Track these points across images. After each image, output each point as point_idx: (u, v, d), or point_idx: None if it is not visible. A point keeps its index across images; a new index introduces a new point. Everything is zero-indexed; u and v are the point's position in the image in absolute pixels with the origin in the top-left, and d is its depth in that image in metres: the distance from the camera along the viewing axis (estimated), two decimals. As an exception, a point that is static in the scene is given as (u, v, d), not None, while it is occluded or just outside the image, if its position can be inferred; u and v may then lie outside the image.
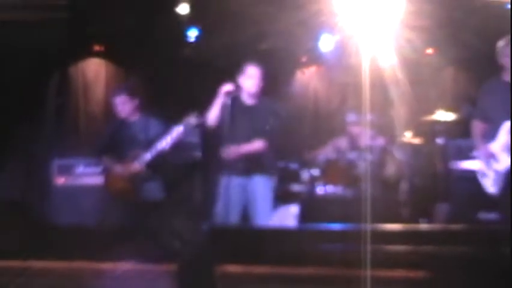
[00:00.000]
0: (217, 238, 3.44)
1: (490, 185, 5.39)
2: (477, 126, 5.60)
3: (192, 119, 6.02)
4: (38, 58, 7.76)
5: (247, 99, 5.86)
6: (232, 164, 5.76)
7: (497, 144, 5.31)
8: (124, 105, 6.37)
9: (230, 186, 5.78)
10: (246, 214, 5.82)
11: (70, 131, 8.60)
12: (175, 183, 6.61)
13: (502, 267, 2.98)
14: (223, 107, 5.72)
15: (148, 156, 6.09)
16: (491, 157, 5.36)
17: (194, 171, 7.19)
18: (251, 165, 5.74)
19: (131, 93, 6.39)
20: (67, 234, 3.81)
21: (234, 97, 5.76)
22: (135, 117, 6.37)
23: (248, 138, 5.77)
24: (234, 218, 5.71)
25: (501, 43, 5.43)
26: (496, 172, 5.32)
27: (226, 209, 5.74)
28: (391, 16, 6.09)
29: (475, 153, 5.69)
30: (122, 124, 6.39)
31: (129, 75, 8.88)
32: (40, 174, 7.52)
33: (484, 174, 5.46)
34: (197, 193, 7.06)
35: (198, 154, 7.26)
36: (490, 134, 5.43)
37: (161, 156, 6.11)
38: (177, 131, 6.01)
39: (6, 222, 3.71)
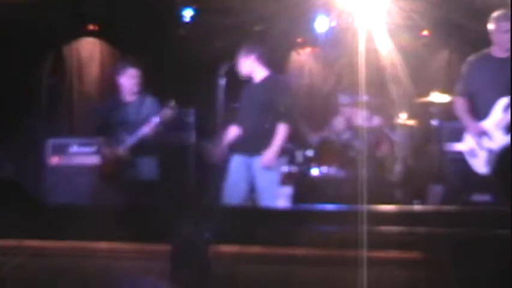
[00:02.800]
0: (211, 218, 3.44)
1: (482, 165, 5.27)
2: (461, 104, 5.44)
3: (168, 111, 5.95)
4: (32, 37, 7.73)
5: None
6: (236, 143, 5.76)
7: (491, 122, 5.17)
8: (129, 81, 6.26)
9: (233, 166, 5.77)
10: (250, 194, 5.81)
11: (64, 110, 8.58)
12: (169, 164, 6.58)
13: (496, 249, 2.99)
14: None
15: (130, 140, 6.01)
16: (483, 135, 5.21)
17: (188, 152, 7.18)
18: (258, 144, 5.70)
19: (137, 69, 6.28)
20: (61, 214, 3.81)
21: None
22: (133, 98, 6.29)
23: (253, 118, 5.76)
24: (236, 198, 5.70)
25: (495, 16, 5.30)
26: (489, 151, 5.20)
27: (230, 188, 5.74)
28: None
29: (465, 131, 5.51)
30: (117, 104, 6.32)
31: (124, 54, 8.85)
32: (34, 154, 7.50)
33: (474, 154, 5.33)
34: (191, 174, 7.06)
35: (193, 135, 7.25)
36: (481, 112, 5.30)
37: (145, 141, 6.01)
38: (154, 120, 5.94)
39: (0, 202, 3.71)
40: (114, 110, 6.28)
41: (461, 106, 5.43)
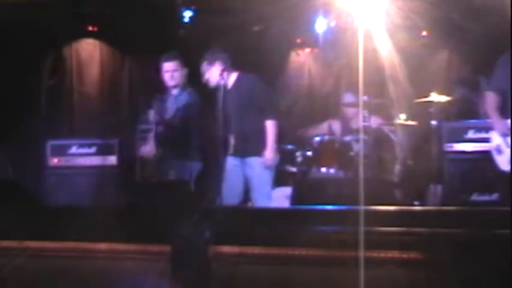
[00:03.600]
0: (211, 219, 3.44)
1: (506, 163, 5.24)
2: (491, 100, 5.40)
3: (151, 115, 6.01)
4: (32, 38, 7.73)
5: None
6: (230, 145, 5.79)
7: None
8: (173, 73, 6.26)
9: (228, 168, 5.82)
10: (246, 195, 5.84)
11: (63, 111, 8.57)
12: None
13: (496, 249, 3.00)
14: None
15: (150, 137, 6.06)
16: (509, 133, 5.18)
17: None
18: (248, 145, 5.74)
19: (181, 62, 6.26)
20: (61, 215, 3.81)
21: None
22: (174, 91, 6.29)
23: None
24: (233, 198, 5.74)
25: None
26: None
27: (225, 190, 5.78)
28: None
29: (492, 128, 5.44)
30: (162, 98, 6.35)
31: (124, 55, 8.86)
32: (34, 155, 7.51)
33: (500, 151, 5.31)
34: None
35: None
36: (506, 109, 5.27)
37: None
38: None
39: (0, 203, 3.71)
40: (160, 103, 6.28)
41: (490, 103, 5.42)
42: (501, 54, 5.53)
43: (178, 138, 6.09)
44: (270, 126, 5.69)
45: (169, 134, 6.12)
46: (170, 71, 6.27)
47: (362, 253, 2.97)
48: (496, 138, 5.34)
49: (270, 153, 5.67)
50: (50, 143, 7.29)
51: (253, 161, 5.77)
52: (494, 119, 5.34)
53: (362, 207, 3.22)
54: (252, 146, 5.75)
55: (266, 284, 3.18)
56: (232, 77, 5.92)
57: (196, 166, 6.18)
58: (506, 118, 5.23)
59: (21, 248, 3.52)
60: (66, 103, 8.65)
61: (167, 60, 6.30)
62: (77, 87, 8.72)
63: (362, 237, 2.99)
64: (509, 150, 5.18)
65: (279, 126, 5.79)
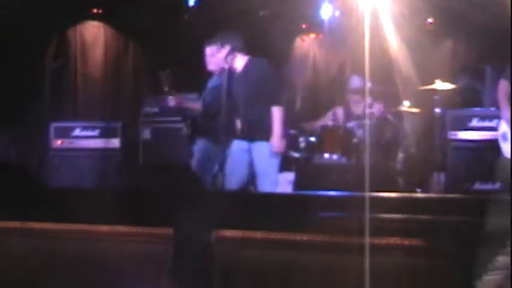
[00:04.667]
0: (214, 203, 3.45)
1: (510, 150, 5.25)
2: (503, 87, 5.39)
3: (171, 100, 6.03)
4: (37, 21, 7.72)
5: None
6: (236, 129, 5.77)
7: None
8: (211, 57, 6.07)
9: (234, 151, 5.80)
10: (251, 179, 5.83)
11: (67, 94, 8.58)
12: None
13: (498, 237, 3.00)
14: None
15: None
16: None
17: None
18: (255, 130, 5.72)
19: (223, 44, 6.03)
20: (64, 196, 3.82)
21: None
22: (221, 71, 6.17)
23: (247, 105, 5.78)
24: (239, 182, 5.73)
25: None
26: None
27: (230, 173, 5.77)
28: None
29: (500, 115, 5.43)
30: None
31: (128, 38, 8.84)
32: (38, 137, 7.52)
33: (505, 138, 5.32)
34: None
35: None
36: None
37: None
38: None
39: (3, 184, 3.72)
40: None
41: (502, 90, 5.40)
42: (508, 43, 5.51)
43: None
44: (277, 112, 5.66)
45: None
46: (208, 55, 6.19)
47: (367, 240, 2.98)
48: (503, 126, 5.34)
49: (277, 140, 5.64)
50: (54, 125, 7.30)
51: (260, 146, 5.73)
52: (503, 106, 5.33)
53: (368, 194, 3.22)
54: (259, 131, 5.71)
55: (269, 269, 3.19)
56: (242, 61, 5.88)
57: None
58: None
59: (24, 229, 3.53)
60: (70, 86, 8.65)
61: (208, 44, 6.22)
62: (81, 70, 8.72)
63: (367, 223, 2.99)
64: None
65: (285, 113, 5.76)
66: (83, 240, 3.49)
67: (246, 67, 5.86)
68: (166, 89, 6.09)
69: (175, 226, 3.30)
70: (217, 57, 6.00)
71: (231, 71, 5.85)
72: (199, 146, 6.30)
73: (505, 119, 5.33)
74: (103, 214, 3.45)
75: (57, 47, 8.55)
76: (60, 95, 8.47)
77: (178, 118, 6.69)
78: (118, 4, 8.42)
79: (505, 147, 5.35)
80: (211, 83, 6.26)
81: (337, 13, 8.29)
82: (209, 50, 6.17)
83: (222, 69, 5.91)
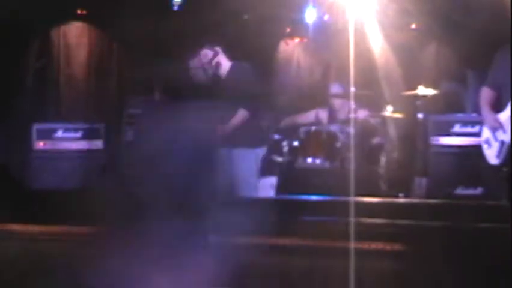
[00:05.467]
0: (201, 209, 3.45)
1: (493, 156, 5.28)
2: (485, 94, 5.42)
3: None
4: (20, 20, 7.67)
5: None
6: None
7: (506, 115, 5.18)
8: (197, 69, 6.15)
9: None
10: (231, 185, 5.85)
11: (50, 94, 8.53)
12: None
13: (480, 241, 3.03)
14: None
15: None
16: (498, 127, 5.22)
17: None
18: (236, 137, 5.73)
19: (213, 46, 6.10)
20: (46, 198, 3.81)
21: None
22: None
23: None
24: (220, 189, 5.74)
25: None
26: (502, 143, 5.22)
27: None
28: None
29: (482, 121, 5.47)
30: None
31: (112, 39, 8.81)
32: (20, 138, 7.47)
33: (489, 144, 5.35)
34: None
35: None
36: (500, 104, 5.30)
37: None
38: None
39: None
40: None
41: (483, 96, 5.42)
42: (491, 48, 5.55)
43: None
44: (240, 113, 5.70)
45: None
46: (193, 68, 6.22)
47: (352, 244, 2.99)
48: (486, 132, 5.37)
49: (220, 130, 5.66)
50: (36, 126, 7.25)
51: (240, 152, 5.76)
52: (485, 112, 5.36)
53: (352, 198, 3.24)
54: (239, 137, 5.73)
55: (253, 273, 3.19)
56: (226, 66, 5.90)
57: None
58: (497, 112, 5.26)
59: (6, 231, 3.51)
60: (53, 86, 8.60)
61: (191, 57, 6.25)
62: (64, 71, 8.67)
63: (350, 227, 3.01)
64: (497, 144, 5.22)
65: (249, 120, 5.77)
66: (65, 241, 3.47)
67: (230, 71, 5.87)
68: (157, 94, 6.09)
69: (156, 225, 3.30)
70: (202, 60, 6.04)
71: (215, 77, 5.87)
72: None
73: (487, 124, 5.36)
74: (85, 215, 3.45)
75: (41, 47, 8.50)
76: (43, 96, 8.42)
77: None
78: (102, 5, 8.39)
79: (488, 153, 5.38)
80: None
81: (326, 17, 8.30)
82: (193, 63, 6.19)
83: (207, 75, 5.91)
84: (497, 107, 5.30)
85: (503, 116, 5.20)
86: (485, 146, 5.39)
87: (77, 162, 7.01)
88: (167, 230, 3.27)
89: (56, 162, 7.07)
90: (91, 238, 3.48)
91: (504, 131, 5.18)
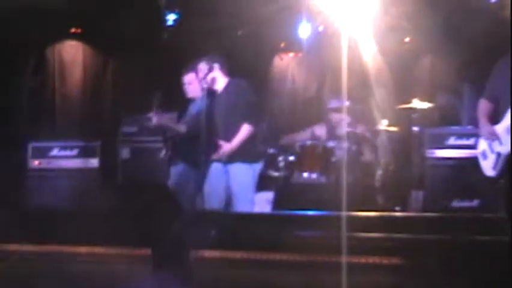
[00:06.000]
0: (193, 223, 3.44)
1: (490, 168, 5.28)
2: (483, 106, 5.43)
3: (154, 117, 6.02)
4: (15, 39, 7.68)
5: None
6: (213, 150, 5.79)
7: (502, 126, 5.19)
8: (189, 85, 6.27)
9: (212, 173, 5.82)
10: (228, 200, 5.84)
11: (46, 113, 8.53)
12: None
13: (477, 254, 3.02)
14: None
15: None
16: (494, 139, 5.22)
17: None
18: (233, 152, 5.73)
19: (198, 73, 6.17)
20: (41, 217, 3.79)
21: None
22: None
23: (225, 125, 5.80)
24: (216, 203, 5.73)
25: None
26: (498, 155, 5.22)
27: (208, 195, 5.78)
28: (370, 4, 6.11)
29: (479, 132, 5.48)
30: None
31: (107, 58, 8.83)
32: (15, 157, 7.45)
33: (485, 156, 5.35)
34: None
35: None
36: (497, 115, 5.30)
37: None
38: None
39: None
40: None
41: (481, 107, 5.42)
42: (486, 61, 5.55)
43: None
44: (244, 128, 5.71)
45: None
46: (186, 83, 6.29)
47: (344, 258, 2.98)
48: (482, 144, 5.38)
49: (228, 147, 5.67)
50: (32, 144, 7.24)
51: (237, 167, 5.76)
52: (482, 124, 5.36)
53: (344, 213, 3.23)
54: (236, 152, 5.73)
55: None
56: (222, 82, 5.91)
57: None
58: (494, 124, 5.27)
59: (2, 251, 3.49)
60: (48, 105, 8.61)
61: (185, 72, 6.32)
62: (60, 89, 8.68)
63: (344, 242, 3.00)
64: (493, 155, 5.22)
65: (254, 133, 5.78)
66: (61, 262, 3.46)
67: (227, 88, 5.88)
68: (153, 108, 6.11)
69: (155, 246, 3.29)
70: (195, 84, 6.14)
71: (211, 92, 5.87)
72: (178, 168, 6.30)
73: (484, 136, 5.36)
74: (82, 235, 3.43)
75: (36, 66, 8.51)
76: (39, 114, 8.42)
77: (157, 138, 6.69)
78: (96, 24, 8.41)
79: (484, 165, 5.37)
80: (194, 107, 6.26)
81: (316, 31, 8.32)
82: (186, 78, 6.26)
83: (202, 90, 5.93)
84: (494, 119, 5.30)
85: (500, 127, 5.21)
86: (481, 158, 5.39)
87: (73, 180, 6.99)
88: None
89: (52, 180, 7.05)
90: (89, 258, 3.46)
91: (500, 143, 5.18)
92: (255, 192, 6.12)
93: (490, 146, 5.28)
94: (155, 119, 6.08)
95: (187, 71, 6.32)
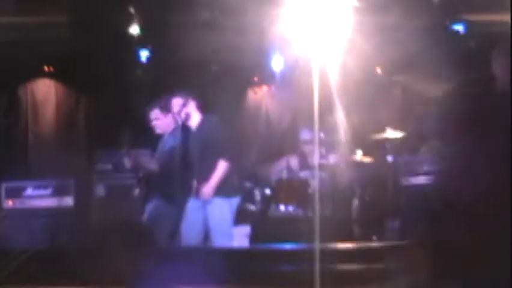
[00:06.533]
0: (169, 259, 3.42)
1: None
2: None
3: (127, 162, 6.03)
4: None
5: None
6: (193, 188, 5.78)
7: None
8: (157, 120, 6.30)
9: (189, 209, 5.80)
10: (206, 236, 5.82)
11: (18, 152, 8.46)
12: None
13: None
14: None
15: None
16: None
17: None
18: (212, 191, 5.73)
19: (164, 109, 6.26)
20: (17, 258, 3.74)
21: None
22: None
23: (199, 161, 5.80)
24: (195, 239, 5.71)
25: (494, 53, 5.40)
26: None
27: (186, 231, 5.76)
28: (341, 36, 6.16)
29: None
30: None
31: (79, 95, 8.81)
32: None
33: None
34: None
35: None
36: None
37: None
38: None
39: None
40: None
41: None
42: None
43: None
44: (221, 165, 5.71)
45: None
46: (154, 119, 6.31)
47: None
48: None
49: (208, 188, 5.67)
50: (5, 185, 7.16)
51: (214, 202, 5.75)
52: None
53: (318, 245, 3.22)
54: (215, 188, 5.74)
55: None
56: (197, 118, 5.92)
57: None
58: None
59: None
60: (21, 144, 8.54)
61: (150, 108, 6.36)
62: (33, 128, 8.63)
63: (317, 275, 2.99)
64: None
65: (231, 169, 5.79)
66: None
67: (201, 125, 5.89)
68: (124, 149, 6.12)
69: (129, 285, 3.26)
70: (163, 120, 6.24)
71: (185, 129, 5.88)
72: (153, 204, 6.27)
73: None
74: (55, 274, 3.39)
75: (8, 104, 8.47)
76: (12, 154, 8.35)
77: (132, 175, 6.67)
78: (69, 62, 8.40)
79: None
80: (166, 143, 6.27)
81: (288, 64, 8.37)
82: (153, 115, 6.29)
83: (176, 125, 5.95)
84: None
85: None
86: None
87: (47, 220, 6.91)
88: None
89: (25, 220, 6.96)
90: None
91: None
92: (233, 226, 6.10)
93: None
94: (127, 162, 6.10)
95: (153, 107, 6.37)
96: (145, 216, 6.28)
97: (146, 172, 6.33)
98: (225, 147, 5.77)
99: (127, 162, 6.12)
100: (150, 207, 6.29)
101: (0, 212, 7.04)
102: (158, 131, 6.36)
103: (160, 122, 6.31)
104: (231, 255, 3.71)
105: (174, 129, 6.11)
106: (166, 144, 6.25)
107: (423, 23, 7.49)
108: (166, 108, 6.16)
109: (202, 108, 6.00)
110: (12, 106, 8.51)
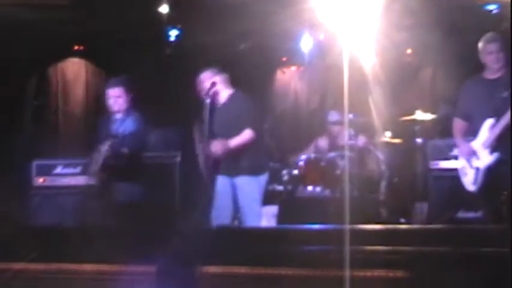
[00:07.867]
0: (197, 239, 3.44)
1: (470, 183, 5.40)
2: (457, 124, 5.62)
3: (103, 148, 5.78)
4: (18, 58, 7.72)
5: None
6: (220, 164, 5.77)
7: (478, 142, 5.33)
8: (116, 99, 6.05)
9: (218, 187, 5.80)
10: (235, 214, 5.83)
11: (49, 131, 8.55)
12: (152, 184, 6.51)
13: (480, 266, 3.01)
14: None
15: (97, 158, 5.84)
16: (472, 155, 5.37)
17: (172, 173, 7.13)
18: (238, 165, 5.72)
19: (126, 88, 6.09)
20: (46, 235, 3.79)
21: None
22: (121, 115, 6.09)
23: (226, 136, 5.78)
24: (223, 218, 5.72)
25: (482, 41, 5.45)
26: (477, 170, 5.34)
27: (215, 209, 5.77)
28: (372, 16, 6.12)
29: (456, 151, 5.70)
30: (108, 120, 6.16)
31: (109, 74, 8.86)
32: (19, 175, 7.46)
33: (464, 173, 5.48)
34: (176, 195, 7.01)
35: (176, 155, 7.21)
36: (472, 132, 5.45)
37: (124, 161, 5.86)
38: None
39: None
40: (103, 126, 6.17)
41: (455, 127, 5.65)
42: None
43: (125, 167, 5.90)
44: (245, 133, 5.67)
45: (116, 163, 5.92)
46: (114, 97, 6.14)
47: (347, 272, 2.97)
48: (461, 161, 5.51)
49: (223, 144, 5.63)
50: (36, 162, 7.25)
51: (243, 180, 5.74)
52: (459, 142, 5.54)
53: (348, 226, 3.22)
54: (240, 165, 5.72)
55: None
56: (225, 94, 5.91)
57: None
58: (470, 141, 5.41)
59: (5, 269, 3.50)
60: (51, 123, 8.63)
61: (111, 86, 6.18)
62: (63, 107, 8.71)
63: (347, 256, 2.99)
64: (473, 171, 5.34)
65: (258, 145, 5.76)
66: (66, 280, 3.46)
67: (229, 100, 5.89)
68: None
69: (157, 263, 3.28)
70: (123, 97, 6.01)
71: (212, 104, 5.87)
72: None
73: (461, 153, 5.51)
74: (87, 253, 3.43)
75: (39, 84, 8.54)
76: (42, 132, 8.43)
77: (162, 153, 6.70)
78: (99, 41, 8.44)
79: (465, 181, 5.49)
80: (127, 126, 6.02)
81: (318, 44, 8.33)
82: (114, 92, 6.05)
83: (204, 103, 5.91)
84: (470, 135, 5.44)
85: (476, 143, 5.34)
86: (462, 175, 5.52)
87: (77, 197, 6.98)
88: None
89: (56, 198, 7.04)
90: (93, 275, 3.46)
91: (478, 158, 5.31)
92: (261, 205, 6.11)
93: (468, 162, 5.42)
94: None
95: (115, 84, 6.12)
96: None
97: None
98: (252, 118, 5.74)
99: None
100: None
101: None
102: (115, 108, 6.07)
103: (122, 99, 6.03)
104: (260, 235, 3.72)
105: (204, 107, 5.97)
106: (126, 127, 6.05)
107: (455, 4, 7.39)
108: (131, 88, 6.00)
109: (230, 84, 5.98)
110: (43, 86, 8.58)
